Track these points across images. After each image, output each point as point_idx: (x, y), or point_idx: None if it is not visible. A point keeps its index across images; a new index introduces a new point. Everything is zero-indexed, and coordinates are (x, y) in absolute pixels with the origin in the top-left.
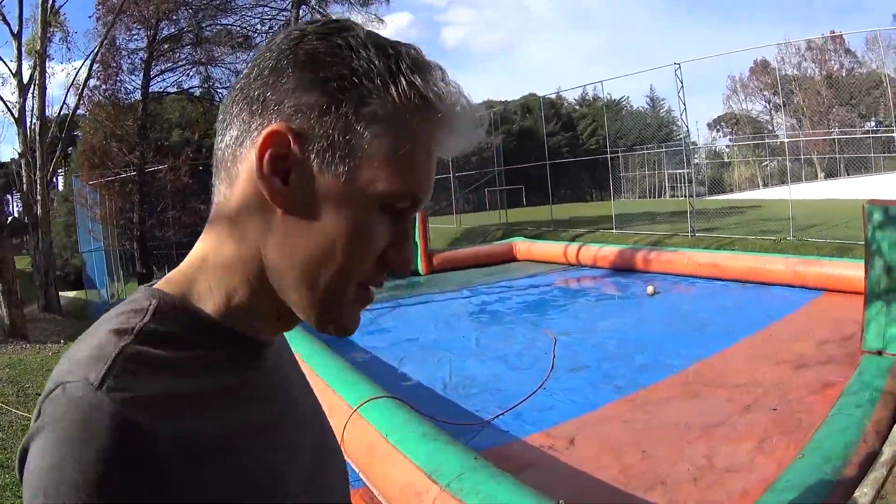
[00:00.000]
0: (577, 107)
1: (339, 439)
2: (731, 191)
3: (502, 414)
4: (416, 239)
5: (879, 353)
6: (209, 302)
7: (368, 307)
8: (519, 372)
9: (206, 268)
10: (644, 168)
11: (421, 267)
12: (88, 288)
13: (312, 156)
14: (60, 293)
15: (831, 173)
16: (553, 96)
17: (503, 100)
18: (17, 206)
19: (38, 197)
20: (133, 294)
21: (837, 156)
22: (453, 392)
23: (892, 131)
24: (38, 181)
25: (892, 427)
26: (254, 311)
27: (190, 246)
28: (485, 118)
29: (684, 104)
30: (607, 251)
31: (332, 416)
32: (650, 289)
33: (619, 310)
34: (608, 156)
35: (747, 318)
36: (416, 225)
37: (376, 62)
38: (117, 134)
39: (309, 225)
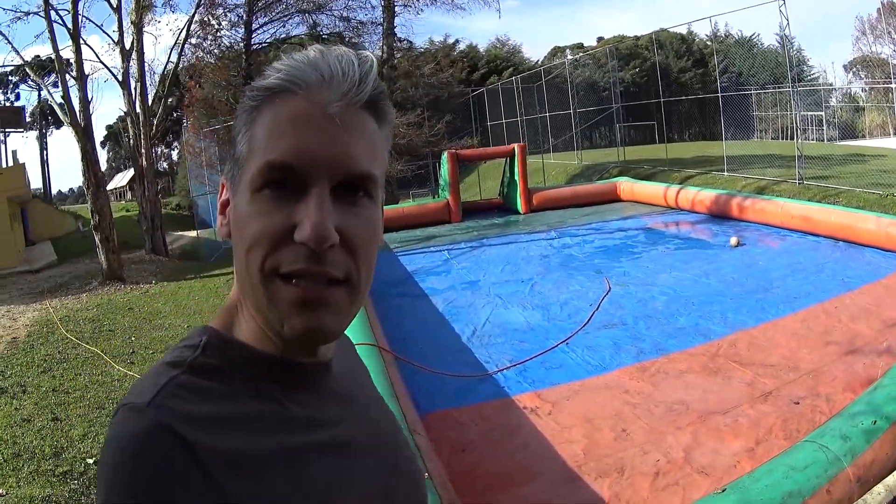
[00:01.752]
0: (708, 42)
1: None
2: (863, 137)
3: (506, 368)
4: (516, 178)
5: None
6: (248, 332)
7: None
8: (553, 323)
9: (240, 299)
10: (777, 108)
11: (520, 205)
12: (200, 229)
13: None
14: (184, 233)
15: None
16: (684, 31)
17: (633, 35)
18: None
19: (143, 150)
20: (190, 331)
21: None
22: (476, 341)
23: None
24: (143, 136)
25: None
26: (277, 336)
27: None
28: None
29: (790, 41)
30: (704, 196)
31: None
32: (734, 240)
33: (692, 260)
34: (719, 95)
35: (821, 282)
36: (516, 164)
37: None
38: (221, 84)
39: (233, 239)
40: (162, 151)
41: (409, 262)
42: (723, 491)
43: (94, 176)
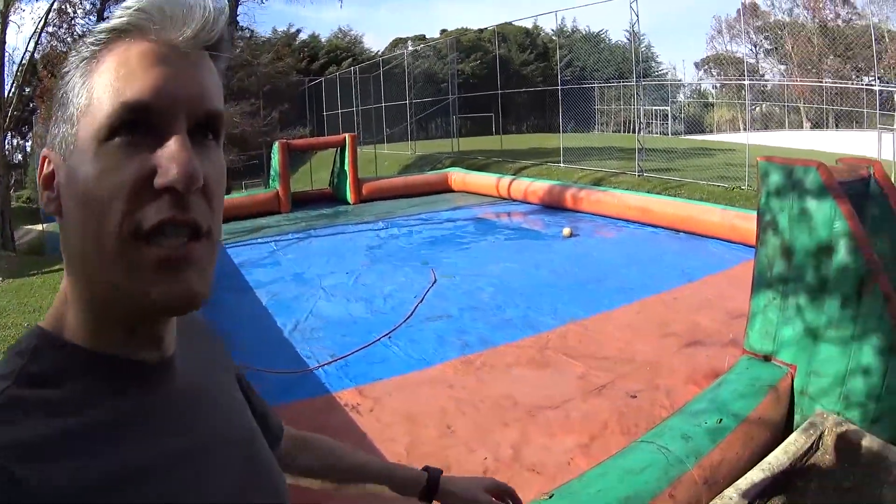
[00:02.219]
0: (553, 37)
1: None
2: (711, 132)
3: (327, 364)
4: (346, 168)
5: (766, 358)
6: (81, 330)
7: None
8: (378, 316)
9: (68, 295)
10: (620, 102)
11: (350, 195)
12: (46, 222)
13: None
14: (34, 227)
15: (818, 124)
16: (530, 25)
17: (477, 28)
18: None
19: None
20: (22, 335)
21: (826, 106)
22: (298, 335)
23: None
24: None
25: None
26: (114, 330)
27: None
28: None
29: (639, 37)
30: (537, 186)
31: None
32: (567, 231)
33: (523, 251)
34: (559, 87)
35: (660, 273)
36: (347, 153)
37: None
38: None
39: (70, 212)
40: (18, 143)
41: (236, 254)
42: (550, 497)
43: None
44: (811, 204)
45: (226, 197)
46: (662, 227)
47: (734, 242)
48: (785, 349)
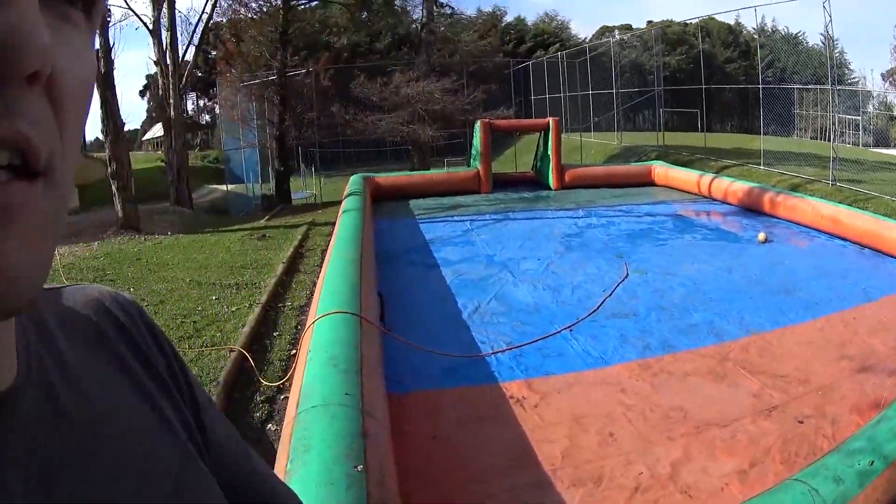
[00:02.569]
0: (755, 35)
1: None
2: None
3: (501, 352)
4: (549, 152)
5: None
6: None
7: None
8: (561, 307)
9: None
10: (818, 108)
11: (552, 181)
12: (231, 184)
13: None
14: (218, 186)
15: None
16: (732, 21)
17: (682, 20)
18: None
19: (171, 101)
20: None
21: None
22: (478, 318)
23: None
24: (171, 86)
25: None
26: None
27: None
28: None
29: (833, 38)
30: (737, 187)
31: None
32: (762, 236)
33: (718, 252)
34: (760, 86)
35: (844, 289)
36: (550, 138)
37: None
38: (258, 39)
39: None
40: (205, 104)
41: (429, 230)
42: None
43: (112, 124)
44: None
45: (424, 173)
46: (850, 241)
47: None
48: None
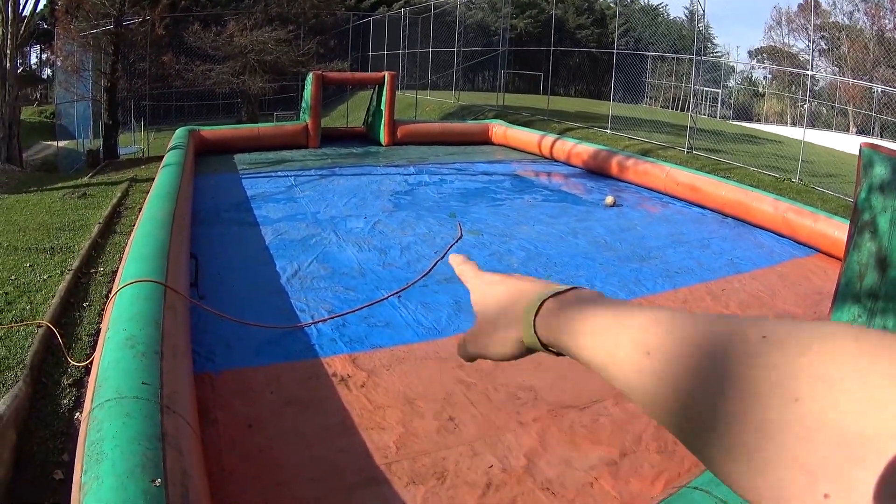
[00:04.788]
0: (612, 4)
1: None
2: (758, 121)
3: (322, 321)
4: (382, 107)
5: None
6: None
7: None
8: (390, 270)
9: None
10: (672, 78)
11: (383, 136)
12: (61, 140)
13: None
14: (53, 143)
15: (864, 130)
16: None
17: None
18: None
19: (8, 51)
20: None
21: (874, 114)
22: (297, 282)
23: None
24: (9, 36)
25: None
26: None
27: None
28: None
29: (702, 10)
30: (582, 149)
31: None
32: (610, 199)
33: (561, 215)
34: (614, 51)
35: (707, 259)
36: (384, 94)
37: None
38: None
39: None
40: (47, 58)
41: (251, 185)
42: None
43: None
44: None
45: (251, 126)
46: (709, 209)
47: (784, 236)
48: None
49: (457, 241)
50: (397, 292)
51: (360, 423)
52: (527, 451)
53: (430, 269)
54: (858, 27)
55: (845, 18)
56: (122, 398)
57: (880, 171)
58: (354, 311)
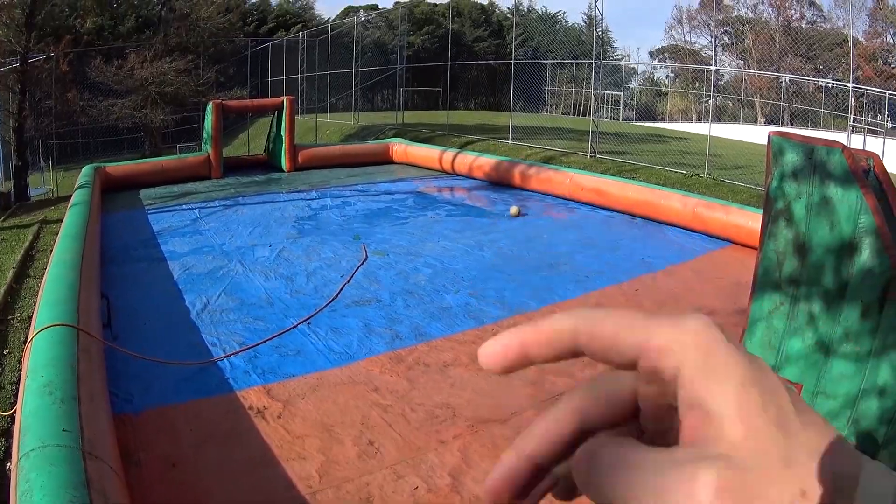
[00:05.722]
0: (508, 15)
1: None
2: (662, 120)
3: (234, 354)
4: (282, 132)
5: None
6: None
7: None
8: (298, 297)
9: None
10: (573, 84)
11: (285, 163)
12: None
13: None
14: None
15: (773, 120)
16: (485, 1)
17: (433, 1)
18: None
19: None
20: None
21: (783, 104)
22: (207, 317)
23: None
24: None
25: None
26: None
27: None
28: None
29: (600, 16)
30: (483, 161)
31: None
32: (514, 209)
33: (465, 229)
34: (511, 61)
35: (617, 261)
36: (283, 119)
37: None
38: (4, 23)
39: None
40: None
41: (157, 220)
42: None
43: None
44: (834, 192)
45: (155, 160)
46: (616, 211)
47: (695, 231)
48: (791, 365)
49: (362, 263)
50: (305, 319)
51: (280, 455)
52: (451, 469)
53: (338, 294)
54: (763, 19)
55: (749, 12)
56: (46, 447)
57: (791, 157)
58: (265, 342)
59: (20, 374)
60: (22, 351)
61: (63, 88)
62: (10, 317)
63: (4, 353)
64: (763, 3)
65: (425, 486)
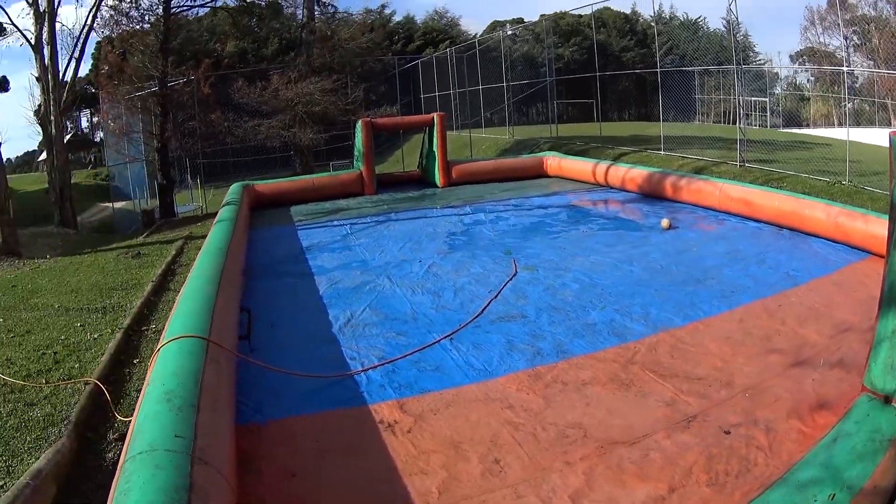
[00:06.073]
0: (652, 24)
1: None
2: (808, 126)
3: (371, 368)
4: (434, 149)
5: (887, 399)
6: None
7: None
8: (443, 312)
9: None
10: (720, 92)
11: (438, 178)
12: (116, 201)
13: None
14: (109, 204)
15: None
16: (628, 11)
17: (577, 12)
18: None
19: (52, 118)
20: None
21: None
22: (349, 331)
23: None
24: (52, 102)
25: None
26: None
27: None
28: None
29: (737, 22)
30: (635, 173)
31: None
32: (665, 222)
33: (617, 243)
34: (658, 70)
35: (763, 275)
36: (435, 135)
37: None
38: (139, 49)
39: None
40: (98, 121)
41: (307, 236)
42: None
43: None
44: None
45: (305, 177)
46: (765, 222)
47: (838, 242)
48: None
49: (511, 279)
50: (449, 335)
51: (403, 469)
52: (572, 491)
53: (483, 310)
54: (884, 17)
55: (871, 10)
56: (154, 451)
57: None
58: (404, 357)
59: None
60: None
61: (206, 110)
62: (144, 328)
63: (134, 362)
64: None
65: None
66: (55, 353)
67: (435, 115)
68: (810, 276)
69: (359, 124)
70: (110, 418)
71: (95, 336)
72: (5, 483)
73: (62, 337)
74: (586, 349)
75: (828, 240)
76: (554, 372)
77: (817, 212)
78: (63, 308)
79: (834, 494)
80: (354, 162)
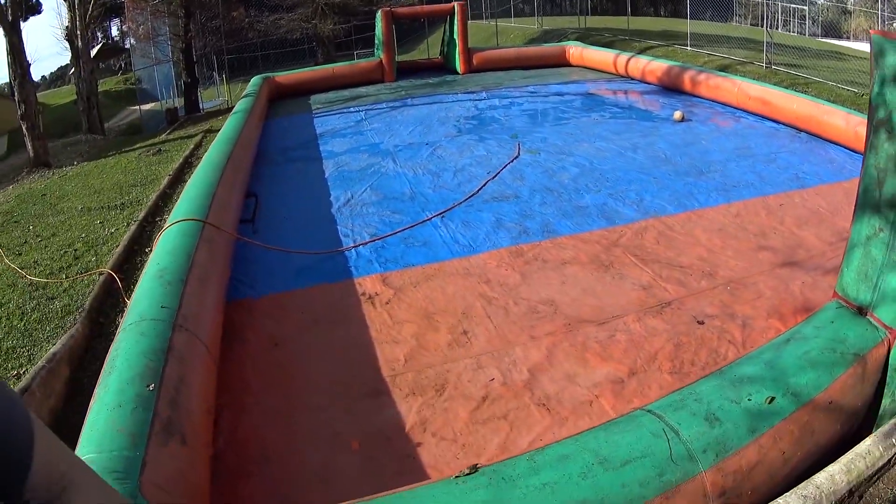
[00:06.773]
0: None
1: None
2: (847, 39)
3: (362, 244)
4: (455, 36)
5: (860, 310)
6: None
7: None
8: (440, 192)
9: None
10: None
11: (459, 65)
12: (143, 103)
13: None
14: (138, 107)
15: None
16: None
17: None
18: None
19: (78, 31)
20: None
21: None
22: (347, 210)
23: None
24: (78, 17)
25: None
26: None
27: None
28: None
29: None
30: (655, 66)
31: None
32: (678, 114)
33: (625, 131)
34: None
35: (770, 173)
36: (456, 22)
37: None
38: None
39: None
40: (129, 27)
41: (322, 123)
42: (469, 473)
43: (19, 66)
44: None
45: (325, 66)
46: (783, 124)
47: (857, 152)
48: (887, 304)
49: (512, 161)
50: (441, 213)
51: (377, 338)
52: (532, 365)
53: (478, 190)
54: None
55: None
56: (142, 321)
57: (894, 60)
58: (394, 234)
59: None
60: None
61: (229, 8)
62: (158, 219)
63: (147, 251)
64: None
65: (501, 379)
66: (75, 250)
67: (456, 3)
68: (820, 181)
69: (378, 14)
70: (121, 304)
71: (112, 231)
72: (26, 369)
73: (83, 235)
74: (573, 230)
75: (847, 148)
76: (536, 250)
77: (836, 118)
78: (85, 209)
79: (773, 398)
80: (375, 51)
